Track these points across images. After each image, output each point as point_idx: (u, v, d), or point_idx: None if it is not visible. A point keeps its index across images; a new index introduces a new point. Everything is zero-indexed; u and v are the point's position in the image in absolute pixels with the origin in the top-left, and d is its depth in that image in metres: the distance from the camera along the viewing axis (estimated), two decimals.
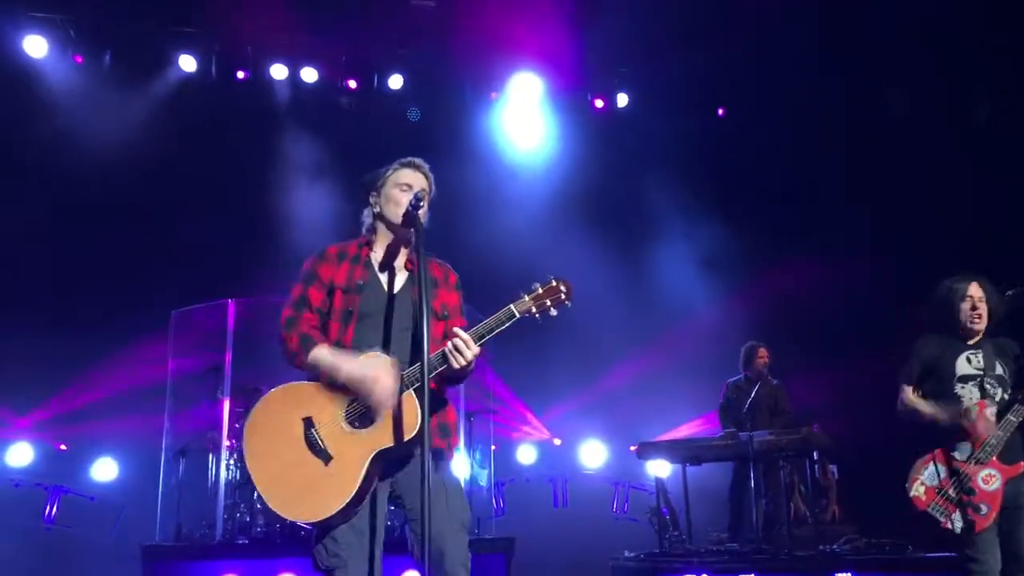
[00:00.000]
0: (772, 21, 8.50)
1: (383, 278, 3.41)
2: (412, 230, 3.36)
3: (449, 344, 3.14)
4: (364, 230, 3.54)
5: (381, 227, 3.49)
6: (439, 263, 3.53)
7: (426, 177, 3.50)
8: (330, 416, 3.20)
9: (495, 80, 9.90)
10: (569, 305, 3.22)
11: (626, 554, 7.40)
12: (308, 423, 3.19)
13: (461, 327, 3.20)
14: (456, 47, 9.39)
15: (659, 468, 7.90)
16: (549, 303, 3.20)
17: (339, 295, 3.36)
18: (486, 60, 9.66)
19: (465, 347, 3.12)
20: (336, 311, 3.35)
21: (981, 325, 4.50)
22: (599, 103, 10.19)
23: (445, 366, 3.15)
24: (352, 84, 9.61)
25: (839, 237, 9.31)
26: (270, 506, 3.16)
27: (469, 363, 3.14)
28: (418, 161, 3.52)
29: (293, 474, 3.15)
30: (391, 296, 3.38)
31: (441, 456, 3.32)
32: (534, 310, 3.18)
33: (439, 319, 3.40)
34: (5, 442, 8.26)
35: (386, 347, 3.28)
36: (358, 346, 3.27)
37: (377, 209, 3.49)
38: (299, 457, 3.17)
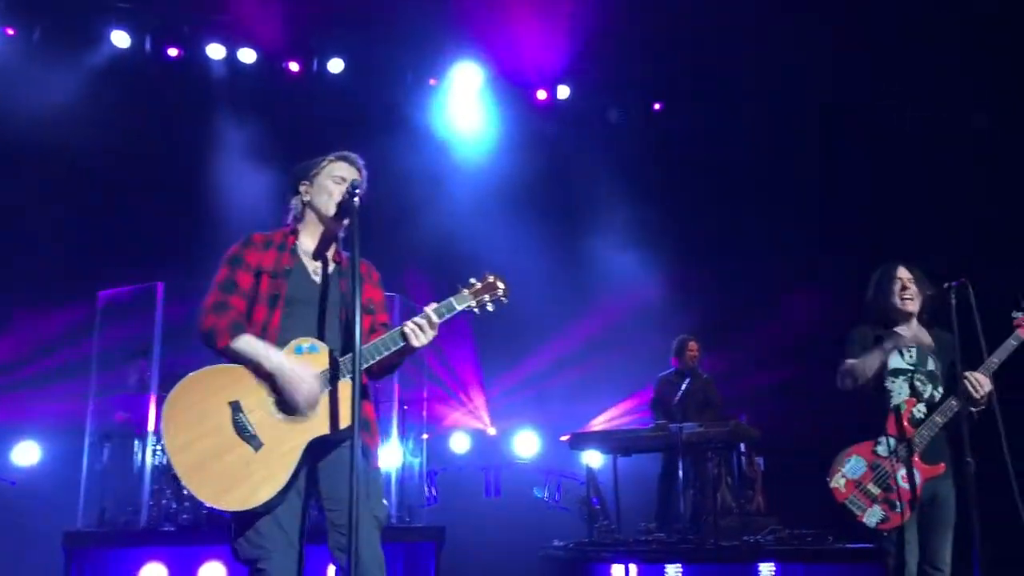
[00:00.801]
0: (711, 13, 8.58)
1: (309, 267, 3.38)
2: (343, 223, 3.38)
3: (410, 323, 3.17)
4: (291, 219, 3.49)
5: (311, 217, 3.45)
6: (363, 260, 3.44)
7: (359, 172, 3.48)
8: (258, 400, 3.11)
9: (436, 67, 9.85)
10: (506, 302, 3.31)
11: (556, 543, 7.47)
12: (235, 407, 3.09)
13: (387, 320, 3.25)
14: (398, 33, 9.32)
15: (591, 458, 8.00)
16: (487, 299, 3.28)
17: (266, 279, 3.30)
18: (428, 46, 9.61)
19: (428, 326, 3.17)
20: (262, 295, 3.28)
21: (913, 306, 4.55)
22: (542, 94, 10.20)
23: (403, 344, 3.17)
24: (294, 67, 9.48)
25: (774, 229, 9.46)
26: (196, 495, 3.05)
27: (425, 344, 3.19)
28: (353, 156, 3.50)
29: (221, 461, 3.03)
30: (318, 286, 3.34)
31: (366, 449, 3.27)
32: (473, 304, 3.27)
33: (367, 313, 3.38)
34: None
35: (320, 335, 3.25)
36: (285, 331, 3.22)
37: (308, 198, 3.45)
38: (226, 443, 3.05)
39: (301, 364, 3.13)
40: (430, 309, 3.21)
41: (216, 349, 3.19)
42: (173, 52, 9.12)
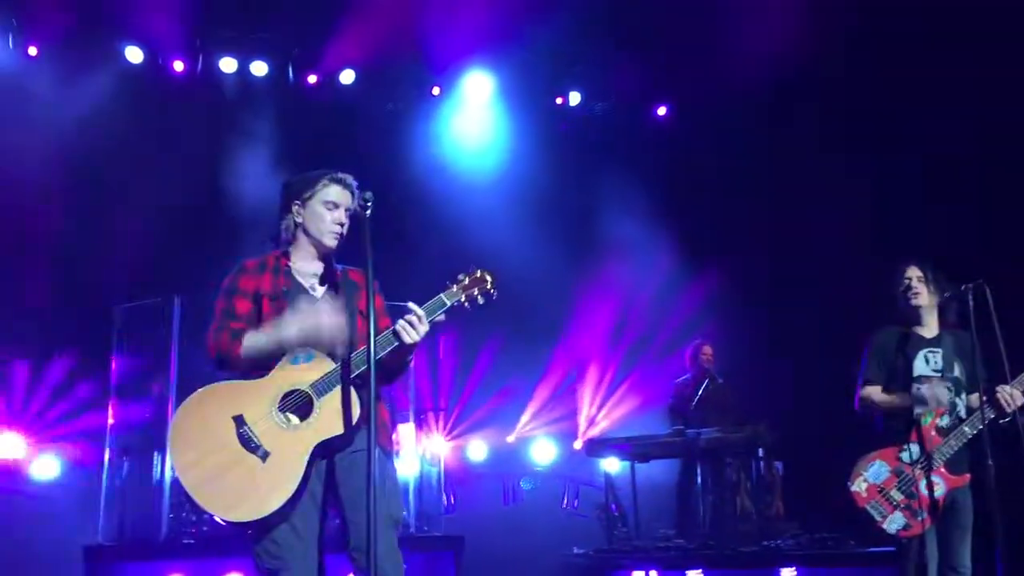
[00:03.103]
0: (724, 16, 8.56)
1: (306, 284, 3.41)
2: (333, 246, 3.44)
3: (401, 321, 3.18)
4: (282, 236, 3.50)
5: (302, 239, 3.46)
6: (356, 270, 3.49)
7: (352, 195, 3.47)
8: (262, 411, 3.14)
9: (445, 77, 9.86)
10: (495, 294, 3.32)
11: (575, 550, 7.45)
12: (239, 421, 3.12)
13: (388, 325, 3.26)
14: (410, 43, 9.34)
15: (608, 465, 7.98)
16: (477, 292, 3.30)
17: (266, 303, 3.33)
18: (439, 56, 9.63)
19: (418, 322, 3.18)
20: (265, 318, 3.31)
21: (919, 300, 4.57)
22: (559, 100, 10.19)
23: (397, 343, 3.18)
24: (311, 79, 9.52)
25: (789, 235, 9.44)
26: (209, 511, 3.09)
27: (418, 341, 3.19)
28: (346, 178, 3.48)
29: (229, 475, 3.07)
30: (318, 302, 3.36)
31: (382, 450, 3.29)
32: (463, 299, 3.29)
33: (366, 319, 3.36)
34: None
35: (328, 349, 3.27)
36: (291, 350, 3.24)
37: (299, 220, 3.45)
38: (233, 457, 3.09)
39: (311, 307, 3.24)
40: (417, 307, 3.22)
41: (232, 364, 3.23)
42: (181, 67, 9.14)
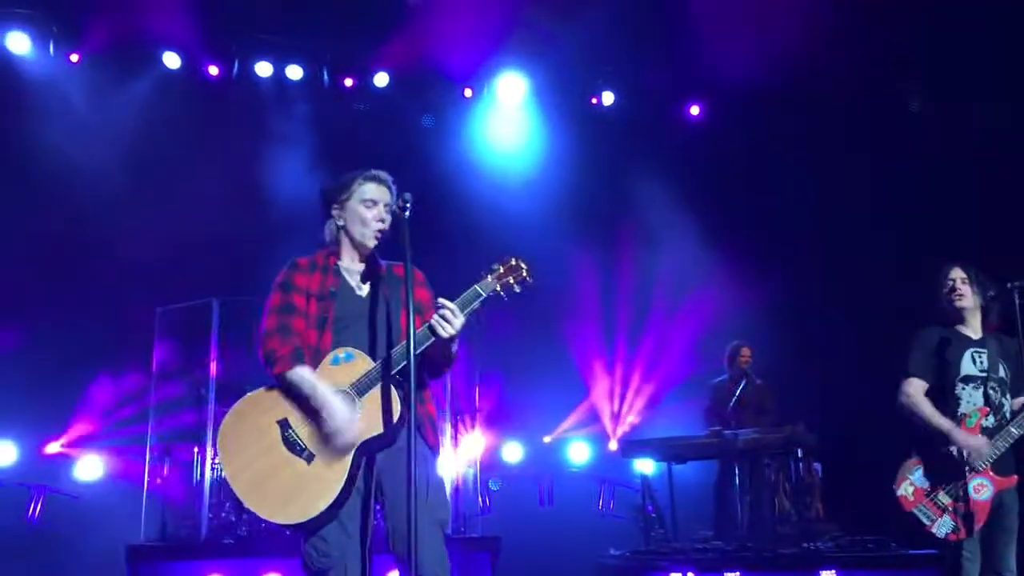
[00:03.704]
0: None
1: (353, 282, 3.43)
2: (375, 244, 3.44)
3: (436, 315, 3.17)
4: (328, 240, 3.53)
5: (345, 240, 3.49)
6: (396, 264, 3.50)
7: (389, 190, 3.50)
8: (305, 415, 3.18)
9: (478, 78, 9.88)
10: (531, 282, 3.26)
11: (612, 552, 7.43)
12: (284, 425, 3.18)
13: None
14: (443, 44, 9.38)
15: (643, 466, 7.94)
16: (512, 280, 3.24)
17: (314, 303, 3.36)
18: (472, 57, 9.66)
19: (452, 315, 3.16)
20: (311, 318, 3.34)
21: (963, 302, 4.54)
22: (593, 100, 10.16)
23: (432, 339, 3.17)
24: (346, 83, 9.58)
25: (828, 235, 9.35)
26: (258, 513, 3.14)
27: (455, 334, 3.17)
28: (381, 174, 3.51)
29: (277, 479, 3.13)
30: (364, 300, 3.39)
31: (427, 449, 3.31)
32: (498, 288, 3.23)
33: (416, 313, 3.30)
34: None
35: (371, 351, 3.29)
36: (337, 350, 3.27)
37: (341, 223, 3.48)
38: (279, 460, 3.15)
39: (342, 402, 3.15)
40: (448, 301, 3.19)
41: (271, 373, 3.25)
42: (217, 71, 9.24)
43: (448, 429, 8.00)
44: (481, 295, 3.23)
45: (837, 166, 9.25)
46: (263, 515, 3.14)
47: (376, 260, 3.50)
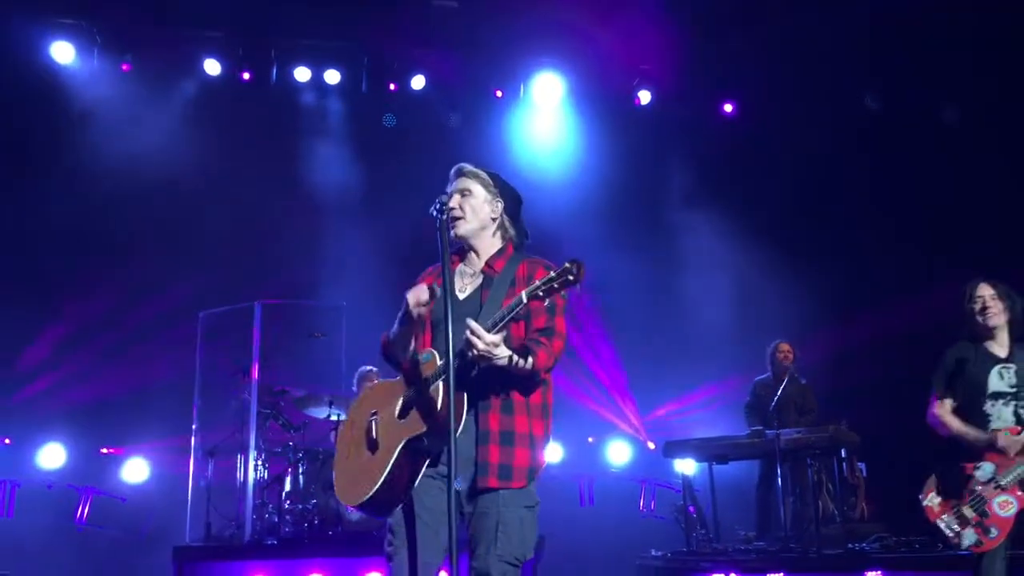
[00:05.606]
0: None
1: (458, 284, 3.40)
2: (456, 234, 3.40)
3: (463, 339, 3.04)
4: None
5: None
6: (529, 261, 3.40)
7: (466, 176, 3.47)
8: (390, 407, 3.27)
9: (515, 79, 9.88)
10: (578, 287, 3.03)
11: (653, 553, 7.39)
12: (373, 415, 3.29)
13: (543, 325, 3.21)
14: (479, 47, 9.41)
15: (685, 466, 7.89)
16: (556, 285, 3.01)
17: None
18: (509, 59, 9.68)
19: (476, 337, 3.00)
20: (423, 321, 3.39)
21: (995, 320, 4.49)
22: (640, 97, 10.09)
23: (458, 362, 3.03)
24: (385, 87, 9.63)
25: (866, 233, 9.24)
26: (337, 496, 3.41)
27: (483, 353, 3.01)
28: (454, 169, 3.50)
29: (350, 463, 3.31)
30: (462, 301, 3.35)
31: (504, 469, 3.17)
32: (540, 293, 3.02)
33: (516, 320, 3.22)
34: (36, 444, 8.38)
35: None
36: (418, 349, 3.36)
37: None
38: (357, 446, 3.30)
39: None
40: (473, 321, 3.05)
41: (385, 353, 3.45)
42: (254, 77, 9.34)
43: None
44: (524, 301, 3.03)
45: (890, 166, 9.16)
46: (338, 496, 3.40)
47: (488, 260, 3.43)
